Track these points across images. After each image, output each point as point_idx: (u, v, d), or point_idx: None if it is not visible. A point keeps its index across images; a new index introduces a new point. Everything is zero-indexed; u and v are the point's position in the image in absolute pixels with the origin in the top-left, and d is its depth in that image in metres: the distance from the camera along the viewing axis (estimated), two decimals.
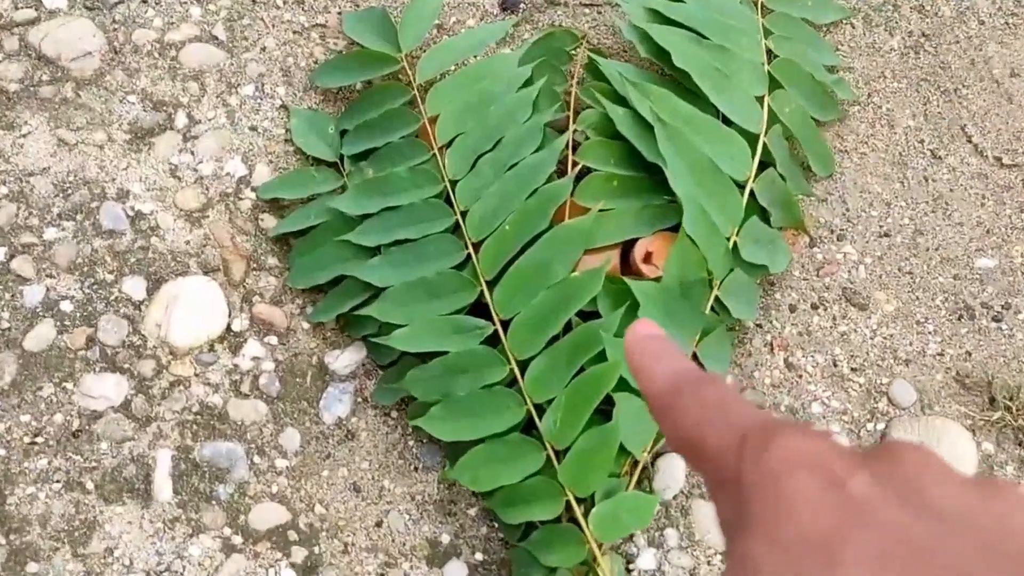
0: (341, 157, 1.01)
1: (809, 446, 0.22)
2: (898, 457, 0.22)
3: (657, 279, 0.84)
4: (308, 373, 0.98)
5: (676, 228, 0.90)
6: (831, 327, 1.00)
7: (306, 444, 0.95)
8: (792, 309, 1.01)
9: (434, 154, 0.96)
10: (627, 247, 0.89)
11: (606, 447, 0.79)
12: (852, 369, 0.98)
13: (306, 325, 0.99)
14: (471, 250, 0.91)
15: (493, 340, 0.87)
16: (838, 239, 1.04)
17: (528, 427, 0.84)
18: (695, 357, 0.88)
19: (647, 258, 0.86)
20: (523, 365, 0.85)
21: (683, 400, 0.26)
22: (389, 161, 0.97)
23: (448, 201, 0.94)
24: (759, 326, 1.00)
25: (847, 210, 1.05)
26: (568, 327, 0.83)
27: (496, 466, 0.82)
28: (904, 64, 1.13)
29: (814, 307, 1.01)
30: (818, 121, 1.03)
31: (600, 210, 0.86)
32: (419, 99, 1.01)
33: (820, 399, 0.98)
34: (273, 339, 0.98)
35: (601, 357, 0.81)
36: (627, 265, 0.88)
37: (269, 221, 1.02)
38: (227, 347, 0.97)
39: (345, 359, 0.98)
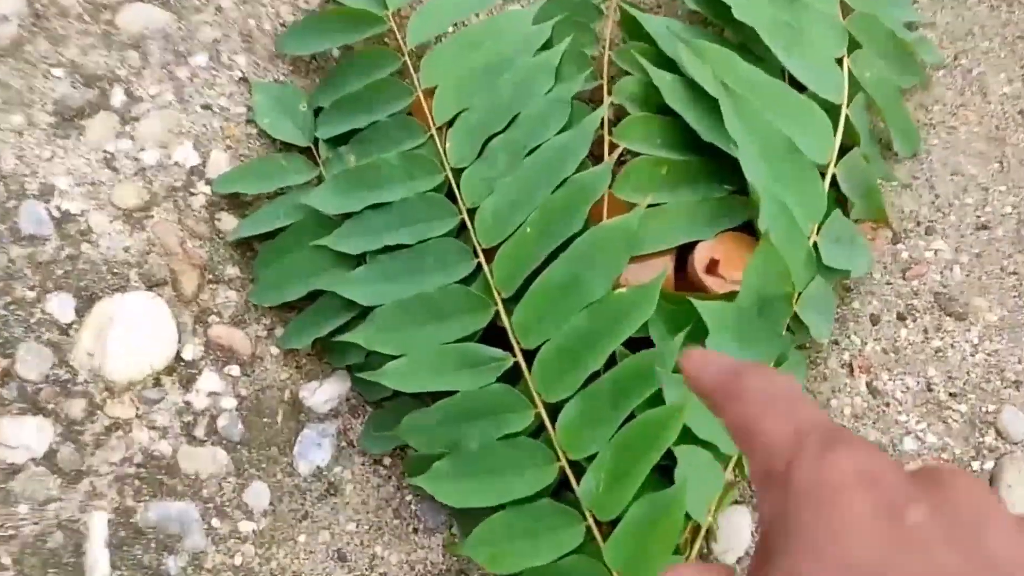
0: (316, 141, 0.82)
1: (868, 464, 0.21)
2: (957, 491, 0.21)
3: (728, 295, 0.64)
4: (279, 412, 0.79)
5: (744, 227, 0.70)
6: (923, 342, 0.81)
7: (277, 501, 0.76)
8: (874, 321, 0.82)
9: (432, 136, 0.77)
10: (683, 253, 0.70)
11: (667, 518, 0.60)
12: (951, 394, 0.80)
13: (275, 351, 0.80)
14: (482, 259, 0.71)
15: (513, 376, 0.68)
16: (926, 233, 0.85)
17: (560, 489, 0.66)
18: None
19: (712, 267, 0.66)
20: (554, 410, 0.66)
21: (750, 382, 0.25)
22: (375, 145, 0.78)
23: (451, 196, 0.74)
24: (835, 343, 0.81)
25: (936, 197, 0.86)
26: (612, 360, 0.64)
27: (521, 542, 0.63)
28: (995, 19, 0.94)
29: (901, 318, 0.82)
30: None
31: (648, 205, 0.67)
32: (411, 67, 0.81)
33: (913, 432, 0.79)
34: (234, 369, 0.79)
35: (656, 400, 0.62)
36: (683, 276, 0.69)
37: (228, 221, 0.83)
38: (177, 381, 0.78)
39: (324, 393, 0.79)
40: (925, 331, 0.82)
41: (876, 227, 0.84)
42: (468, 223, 0.72)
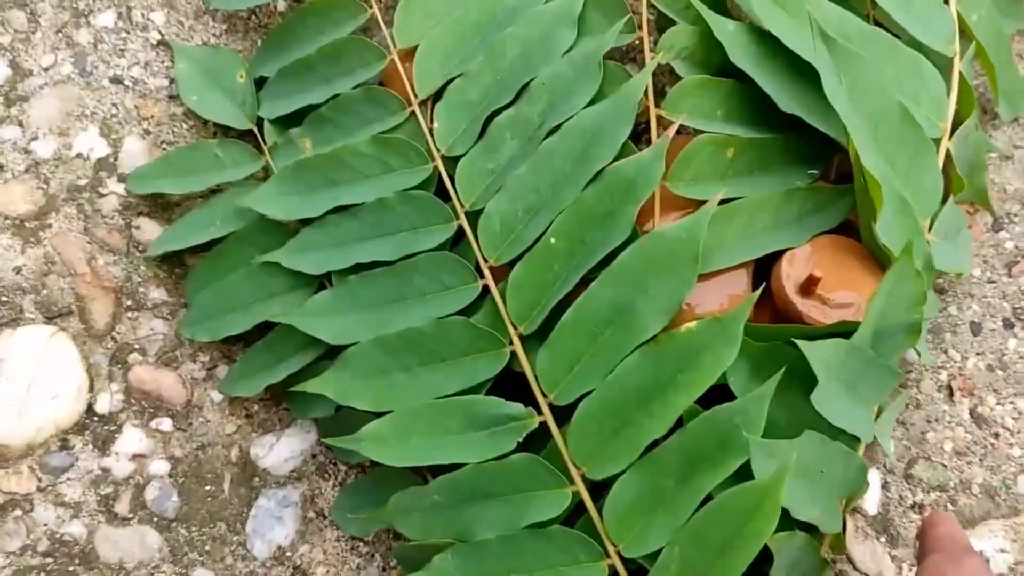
0: (260, 122, 0.63)
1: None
2: None
3: (838, 327, 0.47)
4: (225, 476, 0.61)
5: (843, 229, 0.53)
6: None
7: None
8: (975, 330, 0.65)
9: (413, 113, 0.58)
10: (761, 265, 0.52)
11: None
12: None
13: (218, 397, 0.62)
14: (489, 280, 0.53)
15: (539, 441, 0.50)
16: None
17: None
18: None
19: (808, 287, 0.48)
20: (597, 488, 0.48)
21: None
22: (338, 127, 0.60)
23: (443, 194, 0.56)
24: None
25: None
26: (678, 421, 0.47)
27: None
28: None
29: (1008, 325, 0.65)
30: None
31: (720, 202, 0.49)
32: (381, 21, 0.62)
33: None
34: (165, 423, 0.61)
35: (743, 474, 0.45)
36: (764, 299, 0.51)
37: (149, 230, 0.64)
38: (89, 441, 0.61)
39: (284, 449, 0.62)
40: None
41: (973, 212, 0.67)
42: (468, 231, 0.54)
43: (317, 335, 0.54)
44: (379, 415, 0.51)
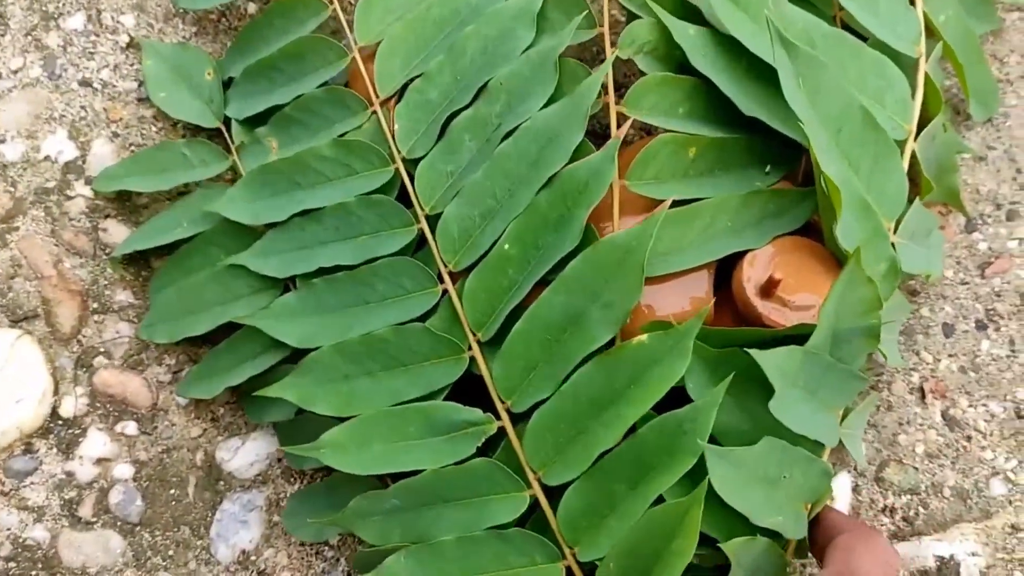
0: (227, 121, 0.62)
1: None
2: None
3: (796, 331, 0.46)
4: (190, 480, 0.61)
5: (805, 231, 0.52)
6: (1009, 357, 0.64)
7: None
8: (948, 332, 0.65)
9: (374, 113, 0.58)
10: (723, 265, 0.51)
11: None
12: None
13: (184, 400, 0.62)
14: (449, 285, 0.52)
15: (497, 444, 0.50)
16: (1008, 218, 0.67)
17: None
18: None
19: (768, 289, 0.48)
20: (553, 493, 0.48)
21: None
22: (302, 127, 0.60)
23: (404, 197, 0.55)
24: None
25: (1018, 172, 0.68)
26: (631, 427, 0.46)
27: None
28: None
29: (981, 326, 0.65)
30: None
31: (674, 204, 0.48)
32: (344, 21, 0.62)
33: (1002, 473, 0.62)
34: (130, 427, 0.61)
35: (696, 475, 0.44)
36: (725, 297, 0.50)
37: (116, 232, 0.64)
38: (54, 445, 0.60)
39: (249, 452, 0.61)
40: (1011, 342, 0.65)
41: (946, 213, 0.66)
42: (428, 236, 0.54)
43: (282, 338, 0.54)
44: (340, 420, 0.51)
